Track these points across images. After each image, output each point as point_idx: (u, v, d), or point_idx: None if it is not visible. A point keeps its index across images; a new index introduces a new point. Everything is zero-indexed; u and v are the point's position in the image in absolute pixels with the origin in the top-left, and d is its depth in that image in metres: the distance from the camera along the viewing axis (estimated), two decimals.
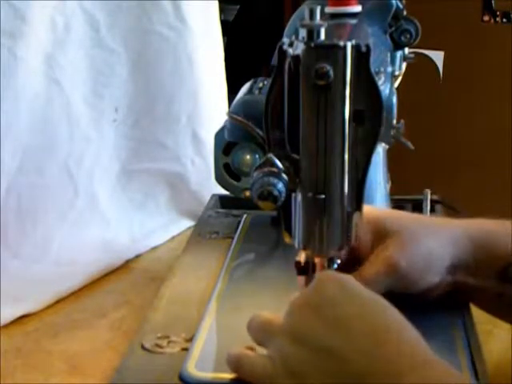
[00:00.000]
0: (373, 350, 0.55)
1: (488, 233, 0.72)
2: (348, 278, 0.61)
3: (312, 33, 0.59)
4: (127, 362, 0.69)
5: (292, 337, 0.59)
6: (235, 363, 0.63)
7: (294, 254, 0.69)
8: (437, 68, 2.34)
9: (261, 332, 0.63)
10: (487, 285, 0.72)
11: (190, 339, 0.72)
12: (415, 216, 0.78)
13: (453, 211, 1.05)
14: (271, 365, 0.59)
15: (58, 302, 0.92)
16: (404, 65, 0.95)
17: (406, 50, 0.94)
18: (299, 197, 0.64)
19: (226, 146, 0.94)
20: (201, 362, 0.67)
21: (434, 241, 0.71)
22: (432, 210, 0.99)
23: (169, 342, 0.72)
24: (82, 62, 1.07)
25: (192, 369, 0.67)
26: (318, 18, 0.60)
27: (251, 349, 0.64)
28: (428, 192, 0.94)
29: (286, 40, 0.62)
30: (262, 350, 0.63)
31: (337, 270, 0.70)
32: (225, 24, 1.39)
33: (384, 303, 0.59)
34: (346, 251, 0.71)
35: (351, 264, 0.71)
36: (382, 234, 0.71)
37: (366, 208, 0.67)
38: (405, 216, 0.76)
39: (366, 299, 0.59)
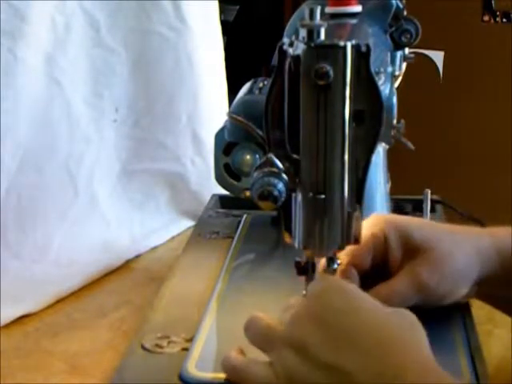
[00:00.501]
0: (377, 365, 0.55)
1: None
2: (352, 288, 0.61)
3: (312, 33, 0.59)
4: (127, 362, 0.69)
5: (295, 348, 0.58)
6: (232, 370, 0.63)
7: (293, 254, 0.69)
8: (437, 68, 2.34)
9: (261, 337, 0.62)
10: None
11: (190, 339, 0.72)
12: (442, 229, 0.76)
13: (453, 211, 1.05)
14: (273, 374, 0.59)
15: (58, 301, 0.92)
16: (404, 65, 0.95)
17: (406, 50, 0.94)
18: (299, 197, 0.64)
19: (226, 146, 0.94)
20: (201, 361, 0.67)
21: (463, 256, 0.71)
22: (432, 210, 0.99)
23: (169, 342, 0.72)
24: (82, 62, 1.07)
25: (192, 369, 0.66)
26: (318, 17, 0.60)
27: (241, 352, 0.63)
28: (428, 192, 0.94)
29: (286, 40, 0.62)
30: (259, 354, 0.62)
31: (364, 280, 0.70)
32: (225, 24, 1.39)
33: (389, 314, 0.59)
34: (375, 261, 0.71)
35: (379, 275, 0.72)
36: (411, 248, 0.71)
37: (393, 217, 0.67)
38: (433, 229, 0.74)
39: (371, 310, 0.59)
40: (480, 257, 0.71)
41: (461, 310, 0.75)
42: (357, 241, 0.66)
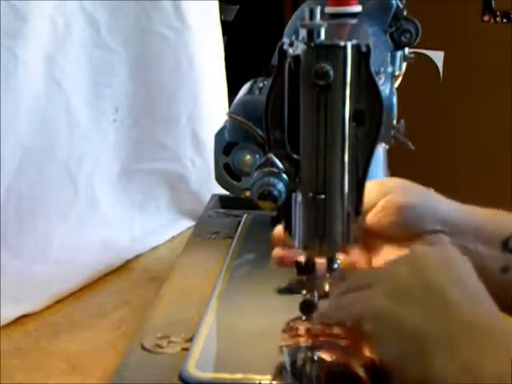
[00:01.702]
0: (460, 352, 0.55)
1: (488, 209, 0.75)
2: (464, 261, 0.62)
3: (312, 33, 0.59)
4: (127, 362, 0.69)
5: (389, 291, 0.59)
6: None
7: None
8: (437, 68, 2.35)
9: (365, 275, 0.64)
10: (492, 254, 0.72)
11: (190, 339, 0.72)
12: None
13: None
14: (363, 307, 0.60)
15: (58, 302, 0.92)
16: (404, 65, 0.95)
17: (406, 50, 0.94)
18: (299, 197, 0.64)
19: (226, 146, 0.94)
20: (201, 361, 0.68)
21: (430, 195, 0.74)
22: None
23: (169, 342, 0.72)
24: (82, 62, 1.07)
25: (192, 369, 0.67)
26: (317, 18, 0.60)
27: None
28: None
29: (286, 40, 0.62)
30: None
31: None
32: (225, 24, 1.39)
33: (492, 305, 0.59)
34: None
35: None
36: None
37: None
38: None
39: (476, 289, 0.60)
40: (447, 204, 0.74)
41: None
42: (356, 241, 0.66)
